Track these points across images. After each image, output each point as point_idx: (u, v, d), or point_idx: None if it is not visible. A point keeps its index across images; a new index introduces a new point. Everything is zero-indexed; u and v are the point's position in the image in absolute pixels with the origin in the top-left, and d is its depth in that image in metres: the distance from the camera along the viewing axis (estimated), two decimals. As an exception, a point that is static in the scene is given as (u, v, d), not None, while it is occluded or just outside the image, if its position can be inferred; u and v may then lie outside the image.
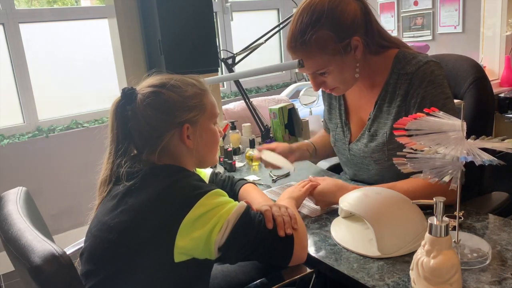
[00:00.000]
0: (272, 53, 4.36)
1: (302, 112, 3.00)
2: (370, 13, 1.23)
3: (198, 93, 1.04)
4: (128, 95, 1.00)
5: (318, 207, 1.24)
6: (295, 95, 3.47)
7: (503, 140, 0.80)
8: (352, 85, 1.28)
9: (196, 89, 1.04)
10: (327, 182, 1.22)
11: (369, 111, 1.31)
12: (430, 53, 1.34)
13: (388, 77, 1.25)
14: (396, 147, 0.85)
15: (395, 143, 0.86)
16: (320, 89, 1.57)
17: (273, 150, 1.44)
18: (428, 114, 0.88)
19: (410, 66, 1.20)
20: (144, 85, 1.03)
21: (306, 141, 1.60)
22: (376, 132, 1.28)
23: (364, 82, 1.31)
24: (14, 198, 1.05)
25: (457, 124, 0.84)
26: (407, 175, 0.90)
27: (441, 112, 0.88)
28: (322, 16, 1.16)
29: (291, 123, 2.26)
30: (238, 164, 1.78)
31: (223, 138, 1.96)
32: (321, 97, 1.64)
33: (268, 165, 1.45)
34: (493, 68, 3.44)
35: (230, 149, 1.75)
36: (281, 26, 2.14)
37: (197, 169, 1.19)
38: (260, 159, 1.45)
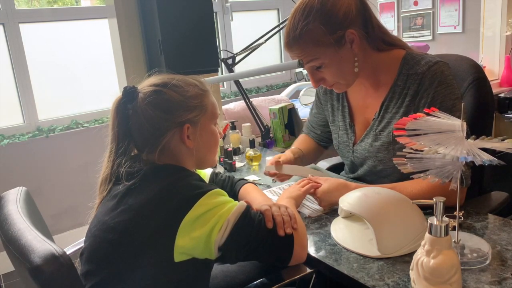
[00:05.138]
0: (272, 53, 4.36)
1: (302, 112, 3.00)
2: (368, 8, 1.23)
3: (200, 93, 1.04)
4: (129, 93, 1.00)
5: (318, 207, 1.24)
6: (295, 95, 3.47)
7: (503, 140, 0.80)
8: (352, 80, 1.27)
9: (198, 90, 1.04)
10: (330, 182, 1.21)
11: (375, 111, 1.31)
12: (430, 53, 1.34)
13: (396, 78, 1.25)
14: (402, 147, 0.85)
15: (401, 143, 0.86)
16: (315, 93, 1.57)
17: (279, 162, 1.40)
18: (428, 114, 0.88)
19: (419, 67, 1.21)
20: (146, 84, 1.03)
21: (292, 147, 1.57)
22: (381, 132, 1.28)
23: (368, 80, 1.31)
24: (14, 198, 1.05)
25: (457, 124, 0.84)
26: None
27: (441, 112, 0.88)
28: (313, 10, 1.17)
29: (291, 123, 2.26)
30: (238, 164, 1.78)
31: (223, 138, 1.96)
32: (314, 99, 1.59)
33: (283, 178, 1.41)
34: (493, 68, 3.44)
35: (230, 149, 1.76)
36: (281, 26, 2.14)
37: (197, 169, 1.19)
38: (275, 175, 1.39)
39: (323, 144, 1.62)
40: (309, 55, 1.21)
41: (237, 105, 2.63)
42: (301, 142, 1.61)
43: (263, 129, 2.22)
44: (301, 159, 1.52)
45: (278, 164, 1.39)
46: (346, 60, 1.21)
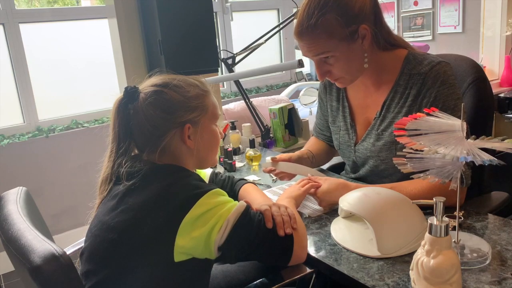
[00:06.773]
0: (272, 53, 4.36)
1: (302, 112, 3.01)
2: (379, 5, 1.23)
3: (201, 94, 1.04)
4: (130, 93, 1.00)
5: (318, 207, 1.24)
6: (295, 95, 3.48)
7: (503, 140, 0.80)
8: (357, 76, 1.26)
9: (199, 90, 1.04)
10: (330, 182, 1.21)
11: (376, 110, 1.31)
12: (430, 53, 1.34)
13: (398, 77, 1.25)
14: (404, 146, 0.85)
15: None
16: (318, 94, 1.57)
17: (275, 158, 1.42)
18: (428, 114, 0.88)
19: (422, 67, 1.21)
20: (147, 84, 1.03)
21: (303, 149, 1.58)
22: (383, 132, 1.28)
23: (370, 79, 1.30)
24: (14, 198, 1.05)
25: (457, 124, 0.84)
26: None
27: (441, 112, 0.88)
28: (329, 1, 1.16)
29: (291, 123, 2.26)
30: (238, 164, 1.78)
31: (223, 138, 1.96)
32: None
33: (283, 176, 1.43)
34: (493, 68, 3.44)
35: (230, 149, 1.76)
36: (281, 26, 2.14)
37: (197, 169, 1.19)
38: (271, 171, 1.41)
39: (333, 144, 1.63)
40: (321, 47, 1.19)
41: (237, 105, 2.63)
42: (311, 144, 1.62)
43: (263, 129, 2.22)
44: (311, 161, 1.52)
45: (274, 160, 1.40)
46: (356, 55, 1.21)
